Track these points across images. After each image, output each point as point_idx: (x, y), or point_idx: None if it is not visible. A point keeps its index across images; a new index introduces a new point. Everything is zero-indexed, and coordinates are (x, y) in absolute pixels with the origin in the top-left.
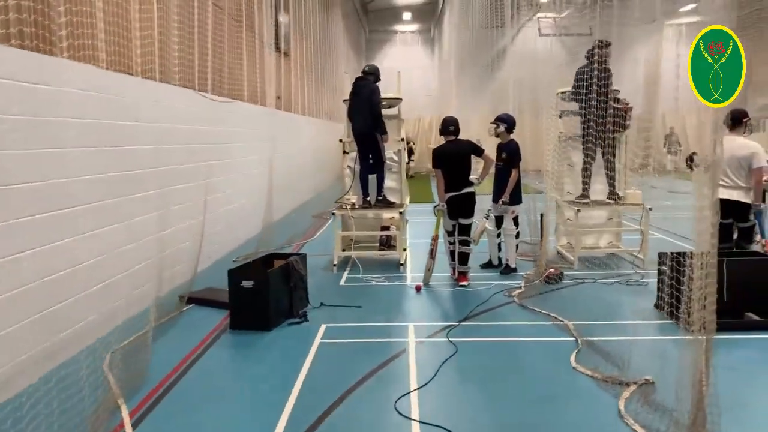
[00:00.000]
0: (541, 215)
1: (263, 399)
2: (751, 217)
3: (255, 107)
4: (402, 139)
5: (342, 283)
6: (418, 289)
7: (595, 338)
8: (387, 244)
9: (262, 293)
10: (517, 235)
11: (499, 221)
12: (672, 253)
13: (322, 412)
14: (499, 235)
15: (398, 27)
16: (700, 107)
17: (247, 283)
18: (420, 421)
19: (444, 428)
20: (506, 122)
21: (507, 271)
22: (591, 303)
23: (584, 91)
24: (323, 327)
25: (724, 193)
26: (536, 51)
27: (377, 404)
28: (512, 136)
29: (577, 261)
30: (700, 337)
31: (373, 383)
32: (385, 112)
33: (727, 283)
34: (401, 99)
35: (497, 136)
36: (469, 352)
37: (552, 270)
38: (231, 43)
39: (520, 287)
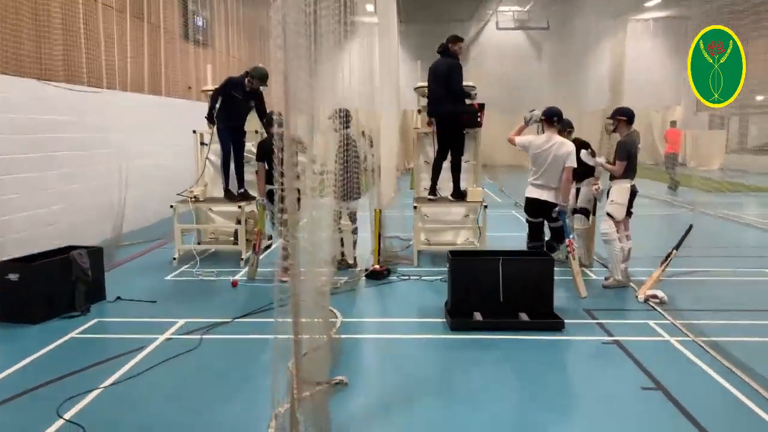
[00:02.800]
0: (378, 211)
1: None
2: (554, 215)
3: (147, 97)
4: (256, 132)
5: (169, 277)
6: (234, 284)
7: (347, 336)
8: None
9: (27, 286)
10: (355, 231)
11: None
12: (451, 252)
13: None
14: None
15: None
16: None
17: (13, 276)
18: (66, 420)
19: (81, 426)
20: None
21: (342, 266)
22: (389, 300)
23: (434, 86)
24: (93, 321)
25: (535, 193)
26: (503, 45)
27: (53, 402)
28: None
29: (417, 257)
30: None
31: (72, 380)
32: None
33: (504, 283)
34: None
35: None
36: (207, 351)
37: (376, 267)
38: (107, 32)
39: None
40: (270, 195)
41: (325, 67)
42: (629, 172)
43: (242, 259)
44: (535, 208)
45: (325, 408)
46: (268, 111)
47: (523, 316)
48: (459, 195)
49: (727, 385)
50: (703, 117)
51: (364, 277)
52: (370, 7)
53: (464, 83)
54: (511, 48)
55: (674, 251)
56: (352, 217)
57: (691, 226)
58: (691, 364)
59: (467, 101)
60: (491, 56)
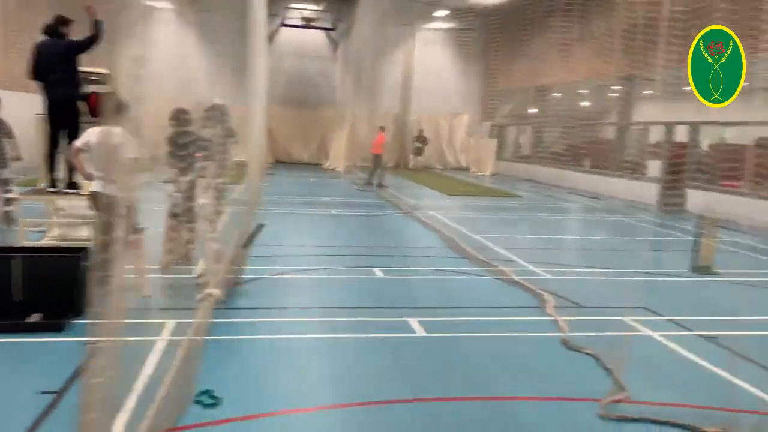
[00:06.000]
0: None
1: None
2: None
3: None
4: None
5: None
6: None
7: None
8: None
9: None
10: None
11: None
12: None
13: None
14: None
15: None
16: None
17: None
18: None
19: None
20: None
21: None
22: None
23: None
24: None
25: (97, 186)
26: (303, 43)
27: None
28: None
29: None
30: None
31: None
32: None
33: (24, 282)
34: None
35: None
36: None
37: None
38: None
39: None
40: None
41: None
42: None
43: None
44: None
45: None
46: None
47: (36, 317)
48: (73, 186)
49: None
50: (486, 126)
51: None
52: None
53: (98, 70)
54: (311, 46)
55: (243, 250)
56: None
57: (261, 225)
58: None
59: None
60: (290, 53)
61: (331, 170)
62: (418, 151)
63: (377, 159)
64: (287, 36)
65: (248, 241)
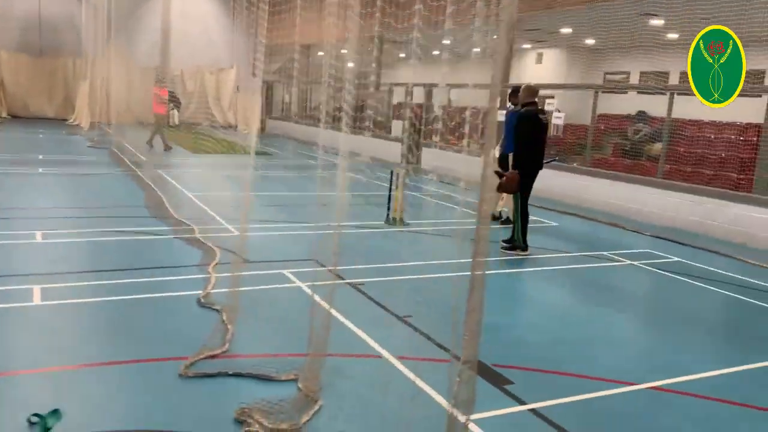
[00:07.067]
0: None
1: None
2: None
3: None
4: None
5: None
6: None
7: None
8: None
9: None
10: None
11: None
12: None
13: None
14: None
15: None
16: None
17: None
18: None
19: None
20: None
21: None
22: None
23: None
24: None
25: None
26: None
27: None
28: None
29: None
30: None
31: None
32: None
33: None
34: None
35: None
36: None
37: None
38: None
39: None
40: None
41: None
42: None
43: None
44: None
45: None
46: None
47: None
48: None
49: None
50: (258, 82)
51: None
52: None
53: None
54: None
55: None
56: None
57: None
58: None
59: None
60: None
61: (75, 126)
62: (177, 109)
63: (157, 118)
64: None
65: None
